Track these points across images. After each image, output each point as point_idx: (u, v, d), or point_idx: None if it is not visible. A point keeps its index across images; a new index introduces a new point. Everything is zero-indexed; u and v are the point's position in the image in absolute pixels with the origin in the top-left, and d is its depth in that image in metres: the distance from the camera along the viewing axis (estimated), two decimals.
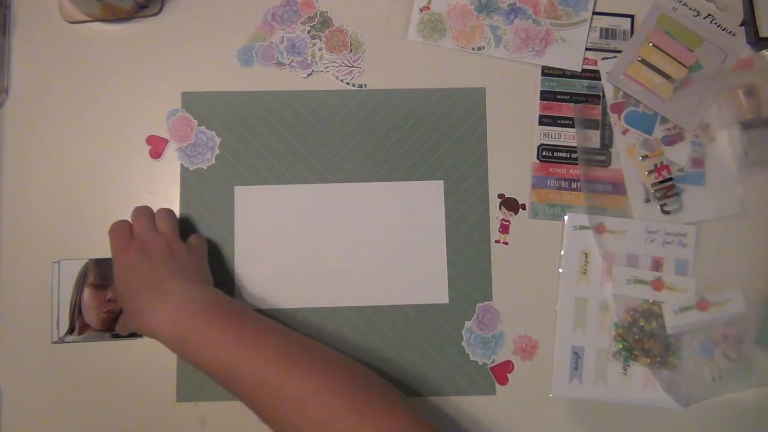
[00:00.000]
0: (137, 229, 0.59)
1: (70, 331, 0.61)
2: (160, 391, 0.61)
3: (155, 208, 0.63)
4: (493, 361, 0.62)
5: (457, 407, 0.61)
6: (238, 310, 0.55)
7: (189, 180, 0.64)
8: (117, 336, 0.62)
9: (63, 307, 0.62)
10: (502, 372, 0.62)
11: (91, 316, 0.62)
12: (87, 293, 0.62)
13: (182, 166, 0.64)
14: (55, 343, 0.61)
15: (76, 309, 0.62)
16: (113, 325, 0.62)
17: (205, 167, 0.64)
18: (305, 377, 0.50)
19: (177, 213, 0.63)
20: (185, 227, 0.63)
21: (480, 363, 0.62)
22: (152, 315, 0.52)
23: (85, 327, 0.62)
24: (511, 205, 0.64)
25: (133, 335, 0.61)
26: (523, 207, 0.64)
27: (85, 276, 0.62)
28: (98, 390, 0.61)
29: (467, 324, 0.62)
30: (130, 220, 0.60)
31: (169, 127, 0.64)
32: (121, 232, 0.58)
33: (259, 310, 0.62)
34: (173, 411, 0.61)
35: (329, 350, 0.55)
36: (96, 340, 0.62)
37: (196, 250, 0.60)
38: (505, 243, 0.64)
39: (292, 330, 0.55)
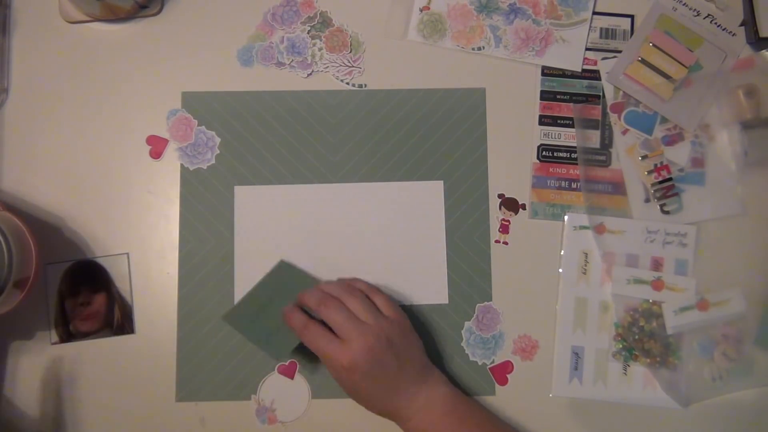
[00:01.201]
0: (366, 316, 0.56)
1: (61, 339, 0.61)
2: (160, 390, 0.61)
3: (158, 209, 0.63)
4: (493, 362, 0.62)
5: None
6: (473, 408, 0.58)
7: (189, 180, 0.64)
8: (119, 333, 0.61)
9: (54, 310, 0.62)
10: (501, 372, 0.62)
11: (76, 324, 0.62)
12: (67, 303, 0.62)
13: (182, 166, 0.64)
14: (54, 344, 0.61)
15: (59, 317, 0.61)
16: (102, 326, 0.61)
17: (205, 167, 0.64)
18: None
19: (177, 213, 0.63)
20: (185, 226, 0.63)
21: (480, 363, 0.62)
22: (395, 415, 0.56)
23: (75, 333, 0.61)
24: (511, 205, 0.64)
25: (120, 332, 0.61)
26: (523, 207, 0.64)
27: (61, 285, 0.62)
28: (98, 390, 0.61)
29: (467, 324, 0.62)
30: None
31: (169, 127, 0.64)
32: (318, 332, 0.55)
33: None
34: (173, 411, 0.61)
35: None
36: (99, 337, 0.62)
37: (400, 324, 0.57)
38: (505, 243, 0.64)
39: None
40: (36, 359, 0.61)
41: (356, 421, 0.61)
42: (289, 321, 0.56)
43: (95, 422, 0.61)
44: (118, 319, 0.62)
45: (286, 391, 0.61)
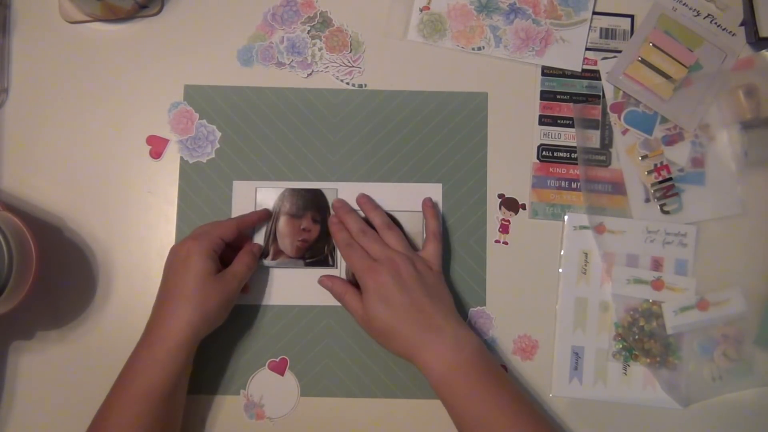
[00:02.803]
0: (375, 250, 0.58)
1: (265, 256, 0.62)
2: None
3: (158, 209, 0.63)
4: None
5: None
6: (496, 366, 0.56)
7: (188, 173, 0.64)
8: (311, 264, 0.63)
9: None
10: None
11: (286, 244, 0.62)
12: (282, 221, 0.63)
13: (182, 158, 0.64)
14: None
15: (272, 235, 0.63)
16: (306, 253, 0.63)
17: (205, 161, 0.64)
18: None
19: (175, 206, 0.63)
20: (183, 224, 0.63)
21: None
22: (420, 351, 0.54)
23: (279, 253, 0.62)
24: (511, 205, 0.64)
25: (325, 263, 0.61)
26: (523, 207, 0.64)
27: (281, 204, 0.63)
28: (94, 384, 0.61)
29: None
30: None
31: (170, 119, 0.64)
32: (357, 253, 0.58)
33: (254, 306, 0.62)
34: None
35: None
36: (289, 266, 0.62)
37: (437, 272, 0.59)
38: (505, 243, 0.64)
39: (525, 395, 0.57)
40: (36, 359, 0.61)
41: (344, 420, 0.61)
42: (334, 234, 0.61)
43: (86, 413, 0.60)
44: None
45: (275, 388, 0.61)
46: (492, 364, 0.56)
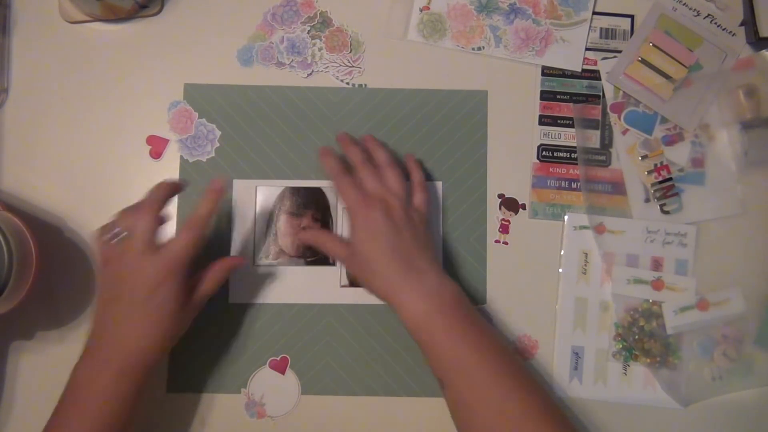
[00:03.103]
0: (371, 185, 0.57)
1: (265, 255, 0.62)
2: (151, 381, 0.61)
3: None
4: None
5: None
6: (475, 313, 0.55)
7: (188, 172, 0.64)
8: (311, 263, 0.62)
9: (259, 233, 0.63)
10: None
11: (287, 243, 0.62)
12: (283, 220, 0.63)
13: (182, 158, 0.64)
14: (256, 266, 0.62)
15: (272, 234, 0.63)
16: (307, 252, 0.62)
17: (205, 160, 0.64)
18: (524, 395, 0.51)
19: (175, 205, 0.63)
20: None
21: None
22: (400, 291, 0.53)
23: (279, 252, 0.62)
24: (511, 205, 0.64)
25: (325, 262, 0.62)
26: (523, 207, 0.64)
27: (282, 202, 0.63)
28: None
29: None
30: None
31: (169, 118, 0.64)
32: (351, 184, 0.57)
33: (255, 305, 0.62)
34: (163, 401, 0.61)
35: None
36: (290, 265, 0.62)
37: (424, 220, 0.58)
38: (505, 243, 0.64)
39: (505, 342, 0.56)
40: (36, 359, 0.61)
41: (345, 419, 0.61)
42: (325, 163, 0.59)
43: None
44: None
45: (276, 386, 0.61)
46: (471, 310, 0.55)
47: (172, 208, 0.63)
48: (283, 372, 0.62)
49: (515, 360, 0.53)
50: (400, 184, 0.58)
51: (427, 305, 0.53)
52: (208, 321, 0.61)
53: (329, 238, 0.60)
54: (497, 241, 0.64)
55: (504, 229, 0.64)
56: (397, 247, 0.54)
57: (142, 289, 0.51)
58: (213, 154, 0.64)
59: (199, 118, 0.65)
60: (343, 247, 0.57)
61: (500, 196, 0.64)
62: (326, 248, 0.59)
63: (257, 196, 0.63)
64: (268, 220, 0.63)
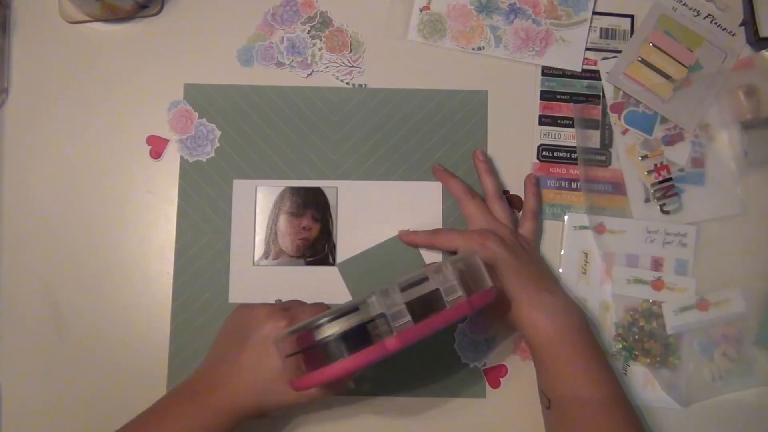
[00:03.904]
0: (482, 220, 0.59)
1: (266, 256, 0.62)
2: (151, 380, 0.61)
3: (158, 209, 0.63)
4: (485, 365, 0.62)
5: (451, 409, 0.61)
6: (595, 340, 0.56)
7: (188, 172, 0.64)
8: (311, 263, 0.62)
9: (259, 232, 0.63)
10: (495, 375, 0.62)
11: (286, 243, 0.62)
12: (283, 220, 0.63)
13: (182, 158, 0.64)
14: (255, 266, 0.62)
15: (272, 234, 0.63)
16: (307, 252, 0.62)
17: (205, 160, 0.64)
18: (626, 427, 0.53)
19: (175, 206, 0.63)
20: (183, 220, 0.63)
21: (471, 366, 0.62)
22: (532, 308, 0.54)
23: (279, 252, 0.62)
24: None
25: (320, 262, 0.61)
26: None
27: (281, 203, 0.63)
28: (93, 385, 0.61)
29: (460, 327, 0.62)
30: None
31: (169, 118, 0.64)
32: (485, 210, 0.60)
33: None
34: None
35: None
36: (290, 265, 0.62)
37: (533, 248, 0.60)
38: None
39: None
40: (36, 359, 0.61)
41: (345, 418, 0.61)
42: (447, 179, 0.62)
43: (82, 410, 0.61)
44: None
45: None
46: (593, 336, 0.56)
47: (172, 208, 0.63)
48: None
49: (621, 391, 0.54)
50: (507, 216, 0.60)
51: (556, 327, 0.54)
52: (208, 321, 0.62)
53: (452, 231, 0.61)
54: None
55: None
56: (520, 268, 0.56)
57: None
58: (213, 154, 0.64)
59: (199, 118, 0.65)
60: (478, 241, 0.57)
61: None
62: (447, 239, 0.60)
63: (257, 196, 0.63)
64: (268, 220, 0.63)
